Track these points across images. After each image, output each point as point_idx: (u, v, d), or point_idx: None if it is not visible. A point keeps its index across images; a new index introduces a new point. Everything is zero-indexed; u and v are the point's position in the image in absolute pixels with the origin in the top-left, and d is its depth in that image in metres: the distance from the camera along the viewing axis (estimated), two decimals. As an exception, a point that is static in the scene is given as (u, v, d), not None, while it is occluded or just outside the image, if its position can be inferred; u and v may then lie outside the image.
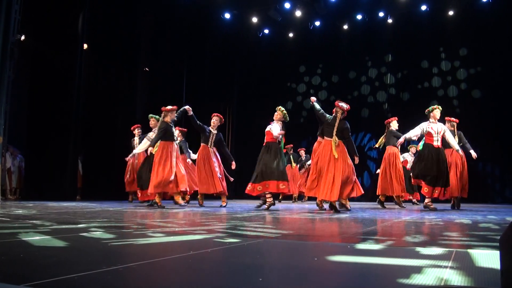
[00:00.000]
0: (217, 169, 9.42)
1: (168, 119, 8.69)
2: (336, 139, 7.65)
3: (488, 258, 2.45)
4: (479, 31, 14.80)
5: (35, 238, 3.07)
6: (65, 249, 2.65)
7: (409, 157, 11.71)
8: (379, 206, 10.08)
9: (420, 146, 9.69)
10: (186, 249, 2.71)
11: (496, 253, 1.75)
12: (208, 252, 2.67)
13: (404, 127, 14.61)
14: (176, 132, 9.42)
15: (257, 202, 8.92)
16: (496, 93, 14.45)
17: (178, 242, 3.09)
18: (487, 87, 14.74)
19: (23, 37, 10.56)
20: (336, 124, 7.68)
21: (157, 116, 9.36)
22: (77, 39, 11.52)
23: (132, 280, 1.80)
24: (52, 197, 10.47)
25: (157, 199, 8.60)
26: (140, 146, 9.45)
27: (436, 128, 8.64)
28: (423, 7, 15.37)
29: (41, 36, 11.27)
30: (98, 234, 3.42)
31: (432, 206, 8.44)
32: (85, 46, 12.10)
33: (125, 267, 2.01)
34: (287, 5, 15.79)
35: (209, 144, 9.55)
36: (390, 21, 16.05)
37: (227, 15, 16.58)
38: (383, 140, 10.38)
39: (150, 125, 9.95)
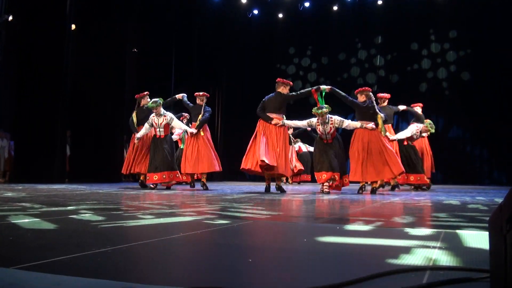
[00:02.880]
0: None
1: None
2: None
3: (476, 238, 2.47)
4: (469, 13, 14.80)
5: (24, 221, 3.05)
6: (54, 231, 2.64)
7: None
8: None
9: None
10: (176, 231, 2.71)
11: (485, 234, 1.77)
12: (198, 233, 2.67)
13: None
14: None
15: (245, 184, 8.89)
16: (485, 75, 14.51)
17: (168, 224, 3.09)
18: (476, 69, 14.78)
19: (10, 17, 10.41)
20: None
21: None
22: (64, 19, 11.37)
23: (122, 261, 1.80)
24: (42, 180, 10.42)
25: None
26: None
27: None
28: (413, -11, 15.37)
29: (29, 16, 11.13)
30: (87, 216, 3.41)
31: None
32: (73, 26, 11.96)
33: (115, 249, 2.00)
34: (276, -14, 15.70)
35: None
36: (380, 2, 16.04)
37: (216, -5, 16.48)
38: None
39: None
